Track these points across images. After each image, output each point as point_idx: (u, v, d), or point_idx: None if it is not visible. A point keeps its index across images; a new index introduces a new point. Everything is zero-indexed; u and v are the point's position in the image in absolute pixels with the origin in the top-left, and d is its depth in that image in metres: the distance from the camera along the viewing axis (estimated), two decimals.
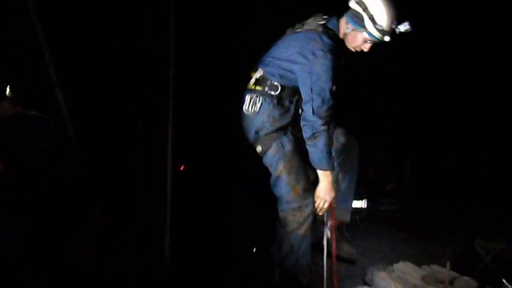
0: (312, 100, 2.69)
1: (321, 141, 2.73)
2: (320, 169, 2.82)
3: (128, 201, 3.59)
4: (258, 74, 2.90)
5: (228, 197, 3.95)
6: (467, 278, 2.98)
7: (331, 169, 2.83)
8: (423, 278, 2.94)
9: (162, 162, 3.18)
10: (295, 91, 2.88)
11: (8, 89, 3.01)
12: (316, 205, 2.88)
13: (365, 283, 3.20)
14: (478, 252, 4.02)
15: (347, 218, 3.24)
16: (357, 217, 4.52)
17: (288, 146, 2.86)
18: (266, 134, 2.85)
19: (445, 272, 2.91)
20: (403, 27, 2.69)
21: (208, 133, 4.17)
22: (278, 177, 2.87)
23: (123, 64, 3.74)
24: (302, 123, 2.78)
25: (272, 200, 2.99)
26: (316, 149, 2.75)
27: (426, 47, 4.77)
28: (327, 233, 3.00)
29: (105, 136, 3.73)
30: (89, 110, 3.51)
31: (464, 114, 4.96)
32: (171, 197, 3.14)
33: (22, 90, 3.06)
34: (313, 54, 2.69)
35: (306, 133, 2.76)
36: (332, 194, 2.86)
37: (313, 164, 2.84)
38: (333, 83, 2.71)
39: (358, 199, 4.59)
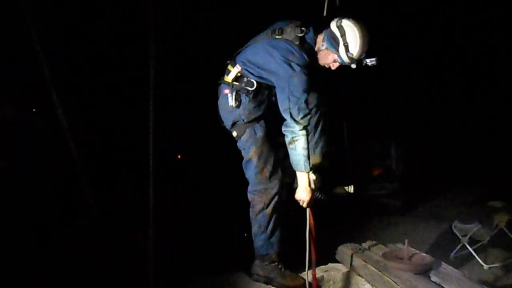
0: (290, 109, 2.92)
1: (299, 144, 2.93)
2: (298, 171, 3.04)
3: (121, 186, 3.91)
4: (236, 70, 3.13)
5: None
6: (424, 254, 3.22)
7: (308, 171, 3.03)
8: (383, 254, 3.20)
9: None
10: (270, 86, 3.12)
11: None
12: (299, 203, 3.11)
13: (336, 260, 3.48)
14: (456, 234, 4.25)
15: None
16: (343, 202, 4.74)
17: (260, 132, 3.10)
18: (242, 123, 3.10)
19: (404, 249, 3.15)
20: (370, 62, 2.90)
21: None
22: (249, 160, 3.13)
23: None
24: (283, 128, 3.01)
25: None
26: (295, 152, 2.97)
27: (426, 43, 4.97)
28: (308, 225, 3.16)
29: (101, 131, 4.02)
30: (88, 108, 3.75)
31: (449, 103, 5.14)
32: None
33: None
34: (291, 67, 2.91)
35: (286, 137, 3.00)
36: (309, 195, 3.04)
37: (292, 166, 3.06)
38: (308, 93, 2.94)
39: (345, 184, 4.83)
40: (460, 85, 5.17)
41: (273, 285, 3.11)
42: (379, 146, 5.19)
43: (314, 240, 3.10)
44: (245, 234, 3.48)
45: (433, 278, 3.05)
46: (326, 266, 3.45)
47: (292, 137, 2.95)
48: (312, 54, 3.01)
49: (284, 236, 3.28)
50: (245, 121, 3.09)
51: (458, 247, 4.24)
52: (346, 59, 2.92)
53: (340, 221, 4.45)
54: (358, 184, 4.89)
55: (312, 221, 3.11)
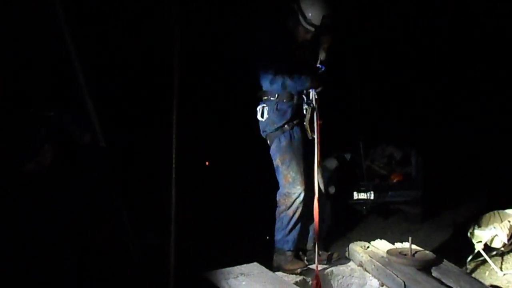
0: None
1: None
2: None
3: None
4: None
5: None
6: (427, 251, 3.40)
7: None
8: (388, 251, 3.39)
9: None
10: (292, 95, 3.45)
11: None
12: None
13: (346, 258, 3.69)
14: (471, 240, 4.34)
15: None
16: (364, 207, 4.93)
17: (284, 142, 3.43)
18: (270, 132, 3.48)
19: (408, 246, 3.34)
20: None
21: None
22: (276, 166, 3.50)
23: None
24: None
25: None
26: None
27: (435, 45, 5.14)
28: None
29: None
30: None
31: (470, 112, 5.25)
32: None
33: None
34: None
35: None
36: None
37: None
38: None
39: (365, 191, 5.02)
40: (482, 94, 5.27)
41: (280, 271, 3.43)
42: (400, 154, 5.35)
43: (318, 238, 3.42)
44: (267, 237, 3.79)
45: (434, 273, 3.22)
46: (337, 261, 3.65)
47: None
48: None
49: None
50: (270, 130, 3.47)
51: (474, 253, 4.33)
52: (308, 27, 3.35)
53: (358, 227, 4.62)
54: (377, 191, 5.06)
55: (317, 225, 3.40)
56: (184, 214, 3.37)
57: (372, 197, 5.02)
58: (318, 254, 3.36)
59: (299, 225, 3.48)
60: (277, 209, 3.52)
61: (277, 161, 3.46)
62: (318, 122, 3.44)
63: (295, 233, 3.48)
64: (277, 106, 3.44)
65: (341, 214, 4.39)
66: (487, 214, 4.42)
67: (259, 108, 3.50)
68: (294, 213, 3.42)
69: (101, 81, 4.00)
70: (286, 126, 3.44)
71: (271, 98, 3.45)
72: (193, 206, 4.19)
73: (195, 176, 4.53)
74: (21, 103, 3.65)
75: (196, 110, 4.59)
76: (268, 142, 3.54)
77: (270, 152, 3.53)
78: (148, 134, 4.59)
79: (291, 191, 3.40)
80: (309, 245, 3.62)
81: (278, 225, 3.51)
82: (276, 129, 3.44)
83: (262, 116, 3.47)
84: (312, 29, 3.37)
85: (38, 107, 3.70)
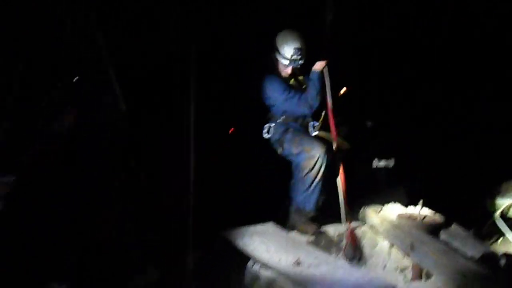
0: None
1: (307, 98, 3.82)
2: (319, 85, 3.78)
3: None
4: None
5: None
6: (436, 215, 3.41)
7: (317, 85, 3.78)
8: (399, 214, 3.36)
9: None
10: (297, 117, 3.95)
11: None
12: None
13: (359, 220, 3.71)
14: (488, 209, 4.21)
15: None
16: (382, 173, 4.95)
17: (288, 136, 3.87)
18: (276, 141, 3.95)
19: (418, 210, 3.31)
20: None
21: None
22: (296, 160, 3.80)
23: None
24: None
25: None
26: (314, 94, 3.80)
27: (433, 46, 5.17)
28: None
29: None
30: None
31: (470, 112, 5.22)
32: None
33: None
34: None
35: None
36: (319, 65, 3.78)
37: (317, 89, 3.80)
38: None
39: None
40: (482, 94, 5.24)
41: (295, 231, 3.71)
42: None
43: (346, 196, 3.56)
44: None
45: (442, 236, 3.26)
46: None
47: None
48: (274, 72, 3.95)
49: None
50: (276, 139, 3.94)
51: (490, 221, 4.19)
52: (283, 61, 3.85)
53: (377, 193, 4.52)
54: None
55: (343, 181, 3.56)
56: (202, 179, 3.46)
57: (392, 164, 4.96)
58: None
59: (320, 186, 3.71)
60: (299, 174, 3.76)
61: (293, 153, 3.80)
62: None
63: (316, 193, 3.72)
64: (279, 122, 3.94)
65: (360, 180, 4.35)
66: (506, 183, 4.28)
67: (265, 127, 3.99)
68: (317, 174, 3.68)
69: (101, 81, 4.00)
70: (287, 130, 3.89)
71: (278, 121, 3.95)
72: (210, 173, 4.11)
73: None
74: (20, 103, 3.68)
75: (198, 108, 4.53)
76: (280, 150, 3.93)
77: (286, 156, 3.90)
78: (148, 133, 4.55)
79: (312, 153, 3.67)
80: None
81: (300, 187, 3.76)
82: (281, 135, 3.89)
83: (268, 133, 3.96)
84: (286, 62, 3.84)
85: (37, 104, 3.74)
